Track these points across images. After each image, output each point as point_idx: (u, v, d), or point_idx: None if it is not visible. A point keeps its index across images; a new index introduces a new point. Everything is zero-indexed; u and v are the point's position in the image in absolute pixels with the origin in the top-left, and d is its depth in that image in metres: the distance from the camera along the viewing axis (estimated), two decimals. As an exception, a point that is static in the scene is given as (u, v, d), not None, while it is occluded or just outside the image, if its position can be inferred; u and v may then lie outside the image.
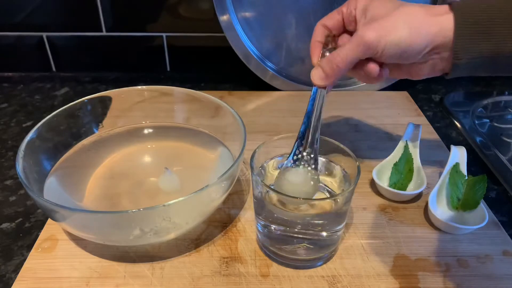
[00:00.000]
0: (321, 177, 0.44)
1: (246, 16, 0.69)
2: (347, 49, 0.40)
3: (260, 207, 0.41)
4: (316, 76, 0.43)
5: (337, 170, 0.44)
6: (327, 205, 0.40)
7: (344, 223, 0.42)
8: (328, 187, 0.44)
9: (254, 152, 0.42)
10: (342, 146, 0.43)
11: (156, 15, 0.76)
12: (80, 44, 0.79)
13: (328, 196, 0.44)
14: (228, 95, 0.72)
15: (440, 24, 0.38)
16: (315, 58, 0.45)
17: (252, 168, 0.40)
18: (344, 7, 0.44)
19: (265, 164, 0.45)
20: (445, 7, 0.38)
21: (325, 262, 0.42)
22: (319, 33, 0.46)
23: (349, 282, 0.41)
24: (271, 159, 0.45)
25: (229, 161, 0.50)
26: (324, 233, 0.41)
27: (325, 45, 0.46)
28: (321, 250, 0.42)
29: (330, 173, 0.45)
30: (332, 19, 0.45)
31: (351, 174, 0.42)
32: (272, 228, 0.41)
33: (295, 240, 0.41)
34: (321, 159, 0.45)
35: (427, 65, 0.41)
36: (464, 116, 0.68)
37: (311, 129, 0.43)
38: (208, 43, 0.79)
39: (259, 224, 0.43)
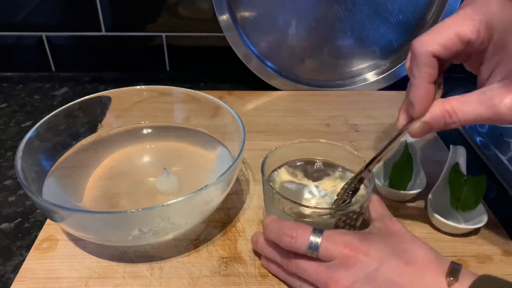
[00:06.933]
0: (334, 186, 0.44)
1: (246, 15, 0.69)
2: (472, 108, 0.31)
3: (271, 213, 0.41)
4: (420, 132, 0.35)
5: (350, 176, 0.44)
6: (340, 214, 0.39)
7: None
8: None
9: (266, 156, 0.41)
10: (355, 152, 0.42)
11: (156, 15, 0.76)
12: (79, 44, 0.79)
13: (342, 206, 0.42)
14: (227, 95, 0.72)
15: None
16: (422, 109, 0.34)
17: (263, 173, 0.40)
18: (469, 31, 0.30)
19: (278, 170, 0.44)
20: None
21: None
22: (431, 70, 0.32)
23: (348, 282, 0.40)
24: (283, 165, 0.45)
25: (228, 161, 0.50)
26: None
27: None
28: None
29: (343, 181, 0.44)
30: (447, 48, 0.31)
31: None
32: None
33: None
34: (334, 167, 0.45)
35: None
36: (464, 116, 0.67)
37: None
38: (207, 43, 0.79)
39: None
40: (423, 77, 0.33)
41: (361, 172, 0.40)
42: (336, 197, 0.41)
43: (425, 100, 0.33)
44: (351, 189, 0.40)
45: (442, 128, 0.34)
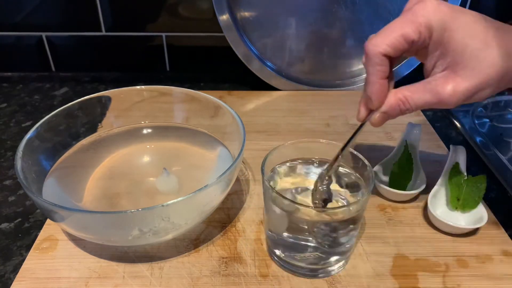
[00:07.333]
0: (334, 186, 0.44)
1: (246, 15, 0.69)
2: (420, 96, 0.36)
3: (271, 213, 0.41)
4: (380, 121, 0.39)
5: (350, 178, 0.43)
6: (340, 213, 0.39)
7: (357, 231, 0.41)
8: (340, 194, 0.43)
9: (266, 156, 0.41)
10: (355, 152, 0.42)
11: (156, 15, 0.76)
12: (79, 44, 0.79)
13: (341, 205, 0.42)
14: (227, 95, 0.72)
15: None
16: (378, 102, 0.38)
17: (263, 173, 0.40)
18: (412, 32, 0.35)
19: (277, 169, 0.44)
20: None
21: (339, 270, 0.42)
22: (383, 67, 0.36)
23: (348, 283, 0.40)
24: (283, 163, 0.44)
25: (228, 161, 0.50)
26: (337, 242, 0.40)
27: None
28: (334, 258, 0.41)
29: (342, 181, 0.44)
30: (395, 48, 0.36)
31: (365, 182, 0.42)
32: (284, 235, 0.40)
33: (308, 248, 0.40)
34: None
35: None
36: (464, 116, 0.67)
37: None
38: (207, 43, 0.79)
39: (269, 231, 0.42)
40: (377, 75, 0.37)
41: (331, 163, 0.41)
42: (312, 192, 0.41)
43: (381, 94, 0.38)
44: (324, 183, 0.41)
45: (398, 115, 0.38)
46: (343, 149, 0.41)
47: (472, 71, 0.35)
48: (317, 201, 0.40)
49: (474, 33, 0.35)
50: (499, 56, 0.34)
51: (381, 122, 0.39)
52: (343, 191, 0.43)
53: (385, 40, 0.36)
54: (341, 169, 0.44)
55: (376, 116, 0.39)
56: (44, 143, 0.49)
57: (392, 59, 0.37)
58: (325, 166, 0.41)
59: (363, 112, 0.40)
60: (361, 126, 0.41)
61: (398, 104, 0.37)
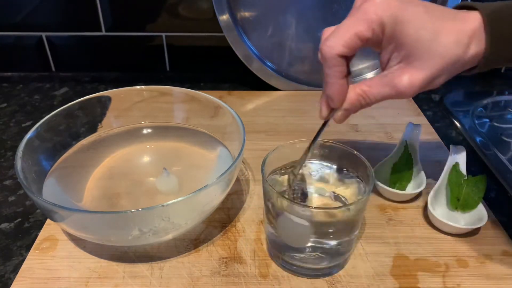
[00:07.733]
0: (334, 186, 0.44)
1: (246, 15, 0.69)
2: (378, 90, 0.37)
3: (271, 214, 0.41)
4: (343, 118, 0.40)
5: (350, 177, 0.43)
6: (340, 213, 0.39)
7: (357, 231, 0.42)
8: (341, 195, 0.43)
9: (266, 156, 0.41)
10: (355, 152, 0.43)
11: (156, 15, 0.76)
12: (79, 44, 0.79)
13: (341, 205, 0.41)
14: (227, 95, 0.72)
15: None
16: (340, 101, 0.38)
17: (263, 173, 0.40)
18: (365, 30, 0.35)
19: (278, 170, 0.44)
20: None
21: (339, 270, 0.42)
22: (341, 68, 0.37)
23: (348, 282, 0.41)
24: (283, 164, 0.44)
25: (228, 161, 0.50)
26: (336, 241, 0.40)
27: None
28: (334, 259, 0.41)
29: (342, 181, 0.44)
30: (351, 47, 0.36)
31: (365, 182, 0.42)
32: (284, 235, 0.40)
33: (307, 248, 0.40)
34: (333, 167, 0.45)
35: None
36: (464, 116, 0.67)
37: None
38: (207, 43, 0.79)
39: (269, 232, 0.42)
40: (336, 76, 0.37)
41: (300, 162, 0.41)
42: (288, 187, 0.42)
43: (342, 93, 0.38)
44: (297, 182, 0.42)
45: (360, 109, 0.39)
46: (309, 147, 0.41)
47: (426, 62, 0.35)
48: (294, 198, 0.41)
49: (424, 24, 0.35)
50: (450, 44, 0.35)
51: (344, 119, 0.40)
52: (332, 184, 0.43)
53: (339, 41, 0.36)
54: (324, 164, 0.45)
55: (339, 114, 0.40)
56: (44, 143, 0.49)
57: (349, 57, 0.38)
58: (296, 165, 0.42)
59: (325, 110, 0.40)
60: (324, 124, 0.41)
61: (358, 99, 0.38)
